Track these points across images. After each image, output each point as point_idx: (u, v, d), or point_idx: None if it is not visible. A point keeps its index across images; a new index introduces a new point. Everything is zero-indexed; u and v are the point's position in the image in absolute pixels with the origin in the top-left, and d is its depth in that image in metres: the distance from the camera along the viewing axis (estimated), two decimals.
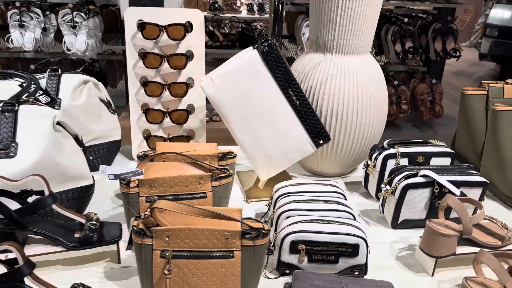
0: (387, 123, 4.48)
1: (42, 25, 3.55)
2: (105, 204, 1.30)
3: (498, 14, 7.54)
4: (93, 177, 1.27)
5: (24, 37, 3.49)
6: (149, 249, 0.85)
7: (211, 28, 3.70)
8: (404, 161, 1.33)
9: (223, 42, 3.57)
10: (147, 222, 0.89)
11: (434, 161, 1.34)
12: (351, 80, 1.37)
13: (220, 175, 1.11)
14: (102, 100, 1.54)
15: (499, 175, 1.39)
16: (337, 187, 1.20)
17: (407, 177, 1.18)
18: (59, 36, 3.60)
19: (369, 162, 1.36)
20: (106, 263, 1.03)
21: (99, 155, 1.52)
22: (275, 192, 1.19)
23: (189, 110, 1.54)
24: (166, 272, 0.83)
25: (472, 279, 0.93)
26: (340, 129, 1.40)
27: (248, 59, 1.28)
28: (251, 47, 1.31)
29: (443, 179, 1.15)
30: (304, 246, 0.98)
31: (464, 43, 10.27)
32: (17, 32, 3.47)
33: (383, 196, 1.22)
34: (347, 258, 0.99)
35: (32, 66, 3.81)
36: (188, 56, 1.49)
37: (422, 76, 4.10)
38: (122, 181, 1.06)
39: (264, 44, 1.27)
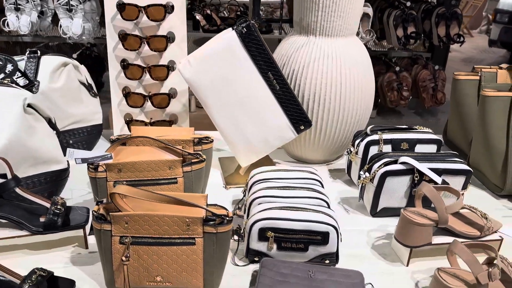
0: (388, 110, 4.38)
1: (39, 8, 3.51)
2: (81, 189, 1.29)
3: (509, 0, 7.34)
4: (68, 161, 1.25)
5: (20, 21, 3.46)
6: (108, 235, 0.83)
7: (209, 12, 3.64)
8: (387, 148, 1.29)
9: (221, 26, 3.50)
10: (108, 207, 0.87)
11: (419, 148, 1.30)
12: (334, 63, 1.32)
13: (193, 161, 1.08)
14: (82, 83, 1.51)
15: (488, 164, 1.34)
16: (315, 174, 1.17)
17: (386, 164, 1.14)
18: (56, 20, 3.57)
19: (352, 149, 1.32)
20: (73, 248, 1.02)
21: (80, 139, 1.50)
22: (251, 178, 1.16)
23: (171, 94, 1.50)
24: (124, 258, 0.81)
25: (445, 270, 0.90)
26: (322, 115, 1.36)
27: (226, 41, 1.24)
28: (230, 29, 1.27)
29: (423, 167, 1.11)
30: (272, 234, 0.95)
31: (475, 29, 10.05)
32: (13, 16, 3.44)
33: (362, 183, 1.18)
34: (317, 246, 0.96)
35: (28, 50, 3.78)
36: (169, 38, 1.45)
37: (425, 62, 4.01)
38: (90, 166, 1.03)
39: (242, 26, 1.23)
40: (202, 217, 0.82)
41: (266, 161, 1.48)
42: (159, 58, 1.50)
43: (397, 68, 3.77)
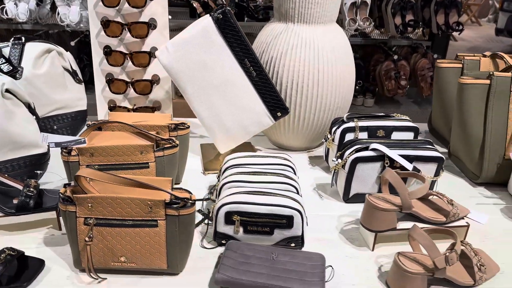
0: (386, 99, 4.36)
1: None
2: (62, 173, 1.31)
3: None
4: (49, 146, 1.27)
5: (18, 8, 3.48)
6: (73, 216, 0.86)
7: None
8: (363, 135, 1.29)
9: None
10: (76, 190, 0.89)
11: (396, 135, 1.30)
12: (312, 51, 1.32)
13: (166, 146, 1.10)
14: (66, 70, 1.53)
15: (465, 151, 1.35)
16: (289, 160, 1.18)
17: (357, 150, 1.15)
18: (55, 7, 3.58)
19: (329, 136, 1.33)
20: (47, 229, 1.05)
21: (64, 124, 1.53)
22: (225, 163, 1.17)
23: (153, 81, 1.52)
24: (87, 239, 0.84)
25: (405, 254, 0.91)
26: (301, 102, 1.37)
27: (202, 27, 1.25)
28: (208, 15, 1.27)
29: (393, 153, 1.12)
30: (238, 217, 0.97)
31: (484, 18, 9.89)
32: (11, 3, 3.46)
33: (334, 170, 1.20)
34: (282, 229, 0.98)
35: (27, 36, 3.81)
36: (150, 24, 1.46)
37: (425, 51, 3.97)
38: (64, 150, 1.06)
39: (218, 12, 1.23)
40: (163, 200, 0.84)
41: (248, 148, 1.50)
42: (142, 44, 1.51)
43: (395, 57, 3.75)
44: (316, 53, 1.32)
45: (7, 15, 3.49)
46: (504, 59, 1.43)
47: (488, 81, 1.28)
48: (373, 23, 3.57)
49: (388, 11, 3.52)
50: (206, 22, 1.25)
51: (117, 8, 1.45)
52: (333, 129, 1.32)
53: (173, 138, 1.12)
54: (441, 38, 4.13)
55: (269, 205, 0.96)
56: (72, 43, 3.75)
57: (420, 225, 0.98)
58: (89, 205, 0.85)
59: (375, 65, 3.92)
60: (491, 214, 1.19)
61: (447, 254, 0.86)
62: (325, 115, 1.41)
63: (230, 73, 1.27)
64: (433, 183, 1.19)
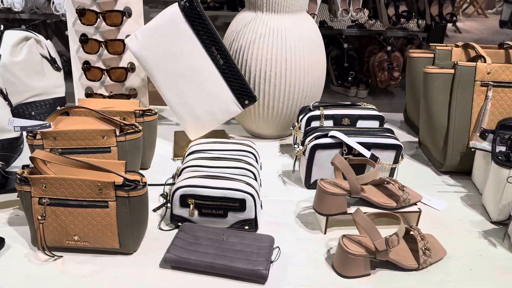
0: (379, 90, 4.35)
1: None
2: None
3: None
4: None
5: None
6: (28, 196, 0.89)
7: None
8: (329, 123, 1.31)
9: (211, 3, 3.50)
10: (34, 171, 0.93)
11: (361, 124, 1.32)
12: (279, 40, 1.34)
13: (128, 131, 1.13)
14: (45, 57, 1.56)
15: (431, 140, 1.36)
16: (251, 147, 1.21)
17: (316, 137, 1.17)
18: None
19: (296, 124, 1.35)
20: (13, 210, 1.09)
21: (42, 111, 1.56)
22: (189, 149, 1.20)
23: (128, 68, 1.55)
24: (39, 217, 0.88)
25: (349, 237, 0.94)
26: (269, 90, 1.39)
27: (169, 15, 1.28)
28: (176, 3, 1.30)
29: (351, 141, 1.14)
30: (193, 200, 1.00)
31: (491, 10, 9.76)
32: None
33: (296, 156, 1.22)
34: (235, 212, 1.01)
35: (23, 27, 3.85)
36: (125, 13, 1.49)
37: (420, 42, 3.95)
38: (30, 133, 1.09)
39: (184, 0, 1.26)
40: (113, 181, 0.88)
41: (221, 135, 1.52)
42: (117, 33, 1.53)
43: (389, 48, 3.73)
44: (283, 42, 1.34)
45: (3, 4, 3.53)
46: (475, 49, 1.44)
47: (452, 71, 1.29)
48: (366, 14, 3.56)
49: (381, 1, 3.50)
50: (173, 11, 1.27)
51: None
52: (300, 117, 1.34)
53: (136, 124, 1.15)
54: (437, 29, 4.10)
55: (222, 188, 0.99)
56: (67, 33, 3.78)
57: (371, 210, 1.01)
58: (43, 185, 0.88)
59: (369, 56, 3.91)
60: (450, 202, 1.21)
61: (388, 237, 0.88)
62: (294, 103, 1.43)
63: (197, 60, 1.29)
64: (392, 170, 1.21)
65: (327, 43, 4.01)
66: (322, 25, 4.11)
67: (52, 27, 4.47)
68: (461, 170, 1.33)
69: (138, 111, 1.24)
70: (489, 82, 1.27)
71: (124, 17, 1.50)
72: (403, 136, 1.61)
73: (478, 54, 1.39)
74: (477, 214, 1.16)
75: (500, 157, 1.09)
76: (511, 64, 1.31)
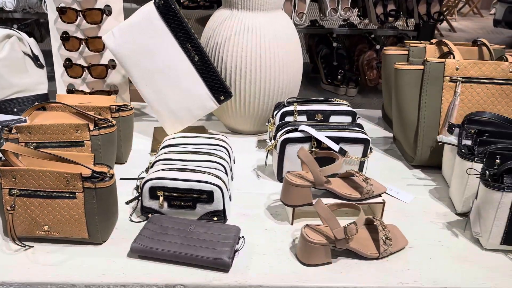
0: (369, 89, 4.39)
1: None
2: None
3: None
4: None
5: None
6: None
7: None
8: (302, 118, 1.34)
9: (201, 3, 3.53)
10: (5, 163, 0.96)
11: (333, 119, 1.35)
12: (254, 37, 1.37)
13: (102, 125, 1.16)
14: (27, 54, 1.59)
15: (403, 135, 1.39)
16: (225, 142, 1.24)
17: (287, 132, 1.20)
18: None
19: (271, 119, 1.38)
20: None
21: (24, 107, 1.58)
22: (163, 143, 1.23)
23: (109, 65, 1.57)
24: (8, 208, 0.90)
25: (312, 226, 0.97)
26: (245, 86, 1.42)
27: (145, 13, 1.30)
28: (152, 1, 1.32)
29: (320, 135, 1.17)
30: (162, 192, 1.03)
31: (487, 10, 9.80)
32: None
33: (268, 150, 1.25)
34: (203, 204, 1.03)
35: (15, 26, 3.87)
36: (105, 11, 1.51)
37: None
38: (5, 128, 1.12)
39: None
40: (79, 173, 0.90)
41: (200, 131, 1.55)
42: (98, 30, 1.56)
43: (378, 47, 3.76)
44: (257, 39, 1.37)
45: None
46: (448, 46, 1.47)
47: (422, 67, 1.32)
48: (354, 13, 3.59)
49: (369, 0, 3.53)
50: (148, 8, 1.30)
51: None
52: (275, 112, 1.37)
53: (110, 119, 1.17)
54: (426, 28, 4.13)
55: (190, 180, 1.02)
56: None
57: (334, 200, 1.04)
58: (13, 177, 0.91)
59: (359, 55, 3.94)
60: (419, 195, 1.24)
61: (346, 226, 0.91)
62: (270, 100, 1.46)
63: (172, 57, 1.32)
64: (362, 163, 1.24)
65: (318, 42, 4.05)
66: (313, 24, 4.15)
67: (45, 26, 4.49)
68: (432, 164, 1.36)
69: (113, 106, 1.26)
70: (458, 78, 1.30)
71: (104, 15, 1.52)
72: (379, 132, 1.65)
73: (449, 50, 1.42)
74: (443, 206, 1.19)
75: (463, 150, 1.12)
76: (480, 60, 1.34)
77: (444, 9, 8.41)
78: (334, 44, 3.78)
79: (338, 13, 3.43)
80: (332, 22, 4.17)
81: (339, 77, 3.76)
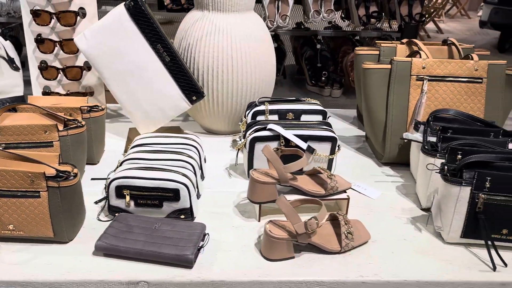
0: (353, 90, 4.45)
1: None
2: None
3: None
4: None
5: None
6: None
7: None
8: (274, 118, 1.36)
9: (185, 5, 3.55)
10: None
11: (305, 118, 1.37)
12: (225, 38, 1.39)
13: (71, 126, 1.17)
14: (2, 57, 1.59)
15: (372, 133, 1.41)
16: (195, 141, 1.25)
17: (256, 130, 1.22)
18: None
19: (243, 119, 1.40)
20: None
21: None
22: (133, 142, 1.24)
23: (84, 67, 1.58)
24: None
25: (275, 222, 0.98)
26: (217, 87, 1.43)
27: (115, 15, 1.32)
28: (122, 3, 1.34)
29: (288, 133, 1.19)
30: (128, 191, 1.04)
31: (475, 11, 9.93)
32: None
33: (238, 149, 1.27)
34: (170, 202, 1.05)
35: None
36: (79, 13, 1.52)
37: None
38: None
39: (129, 0, 1.30)
40: (43, 172, 0.91)
41: (176, 131, 1.56)
42: (73, 33, 1.57)
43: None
44: (228, 40, 1.39)
45: None
46: (418, 45, 1.49)
47: (389, 66, 1.35)
48: (337, 15, 3.63)
49: (352, 2, 3.57)
50: (119, 10, 1.31)
51: None
52: (247, 112, 1.39)
53: (79, 119, 1.18)
54: (409, 29, 4.19)
55: (156, 179, 1.03)
56: None
57: (299, 197, 1.06)
58: None
59: (343, 56, 3.98)
60: (386, 191, 1.26)
61: (307, 220, 0.93)
62: (243, 100, 1.47)
63: (144, 58, 1.33)
64: (330, 161, 1.26)
65: (303, 44, 4.09)
66: (299, 26, 4.19)
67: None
68: (401, 162, 1.38)
69: (84, 107, 1.27)
70: (424, 77, 1.33)
71: (78, 18, 1.53)
72: (353, 131, 1.67)
73: (417, 50, 1.45)
74: (409, 202, 1.21)
75: (426, 147, 1.14)
76: (446, 59, 1.37)
77: (432, 10, 8.53)
78: (318, 46, 3.82)
79: (321, 15, 3.47)
80: (318, 24, 4.22)
81: (323, 78, 3.79)
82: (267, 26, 3.30)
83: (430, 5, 8.37)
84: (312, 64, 3.82)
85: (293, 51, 4.42)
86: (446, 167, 1.01)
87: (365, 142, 1.56)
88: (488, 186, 0.98)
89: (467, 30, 9.49)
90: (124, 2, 1.32)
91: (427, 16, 8.48)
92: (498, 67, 1.36)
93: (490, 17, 7.43)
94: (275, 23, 3.35)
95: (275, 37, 3.94)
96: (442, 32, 8.76)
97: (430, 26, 8.79)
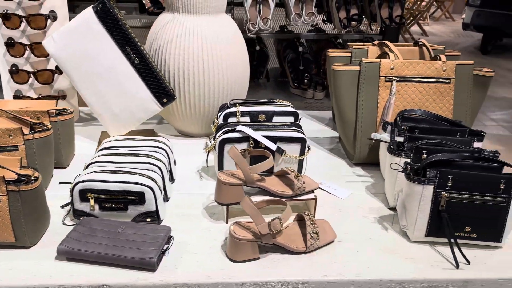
0: None
1: None
2: None
3: None
4: None
5: None
6: None
7: None
8: (245, 119, 1.36)
9: (150, 9, 3.54)
10: None
11: (276, 120, 1.37)
12: (195, 40, 1.39)
13: (37, 130, 1.16)
14: None
15: (344, 134, 1.42)
16: (165, 144, 1.25)
17: (225, 132, 1.22)
18: None
19: (216, 121, 1.39)
20: None
21: None
22: (101, 145, 1.23)
23: (55, 71, 1.57)
24: None
25: (239, 223, 0.98)
26: (189, 89, 1.43)
27: (83, 17, 1.31)
28: (91, 6, 1.33)
29: (257, 134, 1.19)
30: (92, 195, 1.03)
31: (459, 14, 10.08)
32: None
33: (208, 151, 1.26)
34: (135, 205, 1.04)
35: None
36: (49, 16, 1.51)
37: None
38: None
39: (97, 3, 1.29)
40: (2, 176, 0.90)
41: (149, 134, 1.56)
42: (44, 36, 1.56)
43: None
44: (199, 42, 1.39)
45: None
46: (389, 47, 1.51)
47: (358, 67, 1.36)
48: (318, 18, 3.65)
49: (332, 5, 3.60)
50: (87, 13, 1.31)
51: (17, 1, 1.50)
52: (218, 114, 1.38)
53: (44, 123, 1.17)
54: (391, 31, 4.23)
55: (120, 182, 1.02)
56: None
57: (265, 197, 1.06)
58: None
59: (325, 59, 4.00)
60: (355, 191, 1.27)
61: (270, 221, 0.93)
62: (215, 102, 1.47)
63: (113, 60, 1.33)
64: (300, 162, 1.26)
65: (285, 47, 4.11)
66: (282, 29, 4.21)
67: None
68: (371, 162, 1.39)
69: (52, 111, 1.26)
70: (393, 78, 1.35)
71: (49, 21, 1.52)
72: (327, 132, 1.68)
73: (392, 51, 1.46)
74: (377, 201, 1.22)
75: (392, 146, 1.15)
76: (414, 60, 1.39)
77: (417, 13, 8.64)
78: (300, 49, 3.84)
79: (302, 18, 3.49)
80: (301, 27, 4.24)
81: (305, 81, 3.82)
82: (249, 29, 3.31)
83: (414, 7, 8.48)
84: (295, 66, 3.84)
85: (276, 54, 4.45)
86: (409, 166, 1.02)
87: (338, 143, 1.57)
88: (450, 184, 0.99)
89: (451, 32, 9.63)
90: (92, 5, 1.31)
91: (411, 18, 8.59)
92: (466, 68, 1.38)
93: (472, 19, 7.55)
94: (256, 26, 3.36)
95: (258, 40, 3.96)
96: (426, 35, 8.88)
97: (415, 28, 8.90)
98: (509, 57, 7.07)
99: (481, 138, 1.21)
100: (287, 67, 3.92)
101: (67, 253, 0.93)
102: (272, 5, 3.44)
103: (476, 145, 1.19)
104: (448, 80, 1.37)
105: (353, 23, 3.60)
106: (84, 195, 1.03)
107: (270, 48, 4.40)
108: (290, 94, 3.97)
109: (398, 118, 1.26)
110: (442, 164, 1.01)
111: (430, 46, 1.54)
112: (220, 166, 1.25)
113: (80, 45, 1.32)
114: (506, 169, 1.02)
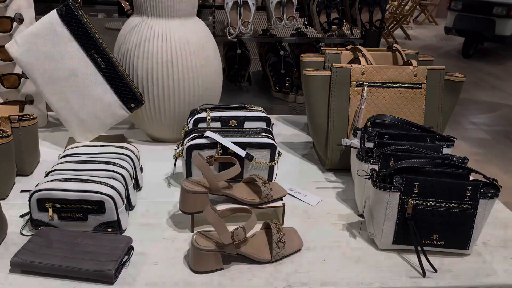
0: None
1: None
2: None
3: None
4: None
5: None
6: None
7: None
8: (216, 125, 1.34)
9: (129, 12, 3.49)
10: None
11: (248, 125, 1.35)
12: (164, 43, 1.36)
13: None
14: None
15: (316, 139, 1.41)
16: (130, 150, 1.21)
17: (193, 138, 1.19)
18: None
19: (186, 126, 1.37)
20: None
21: None
22: (64, 152, 1.19)
23: (22, 75, 1.52)
24: None
25: (203, 233, 0.96)
26: (158, 93, 1.40)
27: (47, 20, 1.27)
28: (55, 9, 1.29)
29: (225, 140, 1.17)
30: (50, 204, 0.99)
31: (443, 18, 10.22)
32: None
33: (175, 158, 1.24)
34: (95, 215, 1.00)
35: None
36: (15, 19, 1.47)
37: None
38: None
39: (62, 5, 1.26)
40: None
41: (119, 140, 1.52)
42: (10, 39, 1.51)
43: None
44: (168, 46, 1.36)
45: None
46: (362, 52, 1.50)
47: (329, 73, 1.35)
48: (299, 22, 3.65)
49: (313, 9, 3.60)
50: (51, 16, 1.27)
51: None
52: (188, 119, 1.36)
53: (4, 129, 1.13)
54: (372, 35, 4.26)
55: (79, 191, 0.99)
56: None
57: (230, 206, 1.04)
58: None
59: None
60: (326, 197, 1.25)
61: (233, 230, 0.91)
62: (186, 106, 1.44)
63: (78, 64, 1.29)
64: (271, 168, 1.24)
65: (267, 50, 4.10)
66: (265, 33, 4.20)
67: None
68: (344, 167, 1.37)
69: (14, 117, 1.22)
70: (364, 83, 1.34)
71: (15, 23, 1.48)
72: (302, 137, 1.66)
73: (365, 56, 1.45)
74: (347, 208, 1.21)
75: (361, 153, 1.14)
76: (385, 65, 1.38)
77: (400, 17, 8.73)
78: (282, 53, 3.83)
79: (283, 22, 3.48)
80: (284, 31, 4.24)
81: (287, 84, 3.81)
82: (229, 32, 3.29)
83: (398, 11, 8.57)
84: (276, 70, 3.83)
85: (259, 57, 4.43)
86: (375, 173, 1.01)
87: (312, 148, 1.56)
88: (416, 191, 0.98)
89: (434, 36, 9.76)
90: (56, 8, 1.27)
91: (395, 22, 8.67)
92: (437, 73, 1.38)
93: (454, 23, 7.67)
94: (237, 30, 3.34)
95: (240, 44, 3.94)
96: (410, 39, 8.98)
97: (398, 32, 9.00)
98: (491, 61, 7.19)
99: (451, 144, 1.21)
100: (268, 70, 3.91)
101: (21, 265, 0.89)
102: (253, 8, 3.43)
103: (446, 151, 1.19)
104: (419, 85, 1.37)
105: (334, 27, 3.60)
106: (42, 204, 0.99)
107: (252, 51, 4.39)
108: (272, 98, 3.95)
109: (368, 124, 1.25)
110: (410, 170, 1.00)
111: (404, 51, 1.54)
112: (188, 173, 1.22)
113: (44, 48, 1.28)
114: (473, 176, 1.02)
